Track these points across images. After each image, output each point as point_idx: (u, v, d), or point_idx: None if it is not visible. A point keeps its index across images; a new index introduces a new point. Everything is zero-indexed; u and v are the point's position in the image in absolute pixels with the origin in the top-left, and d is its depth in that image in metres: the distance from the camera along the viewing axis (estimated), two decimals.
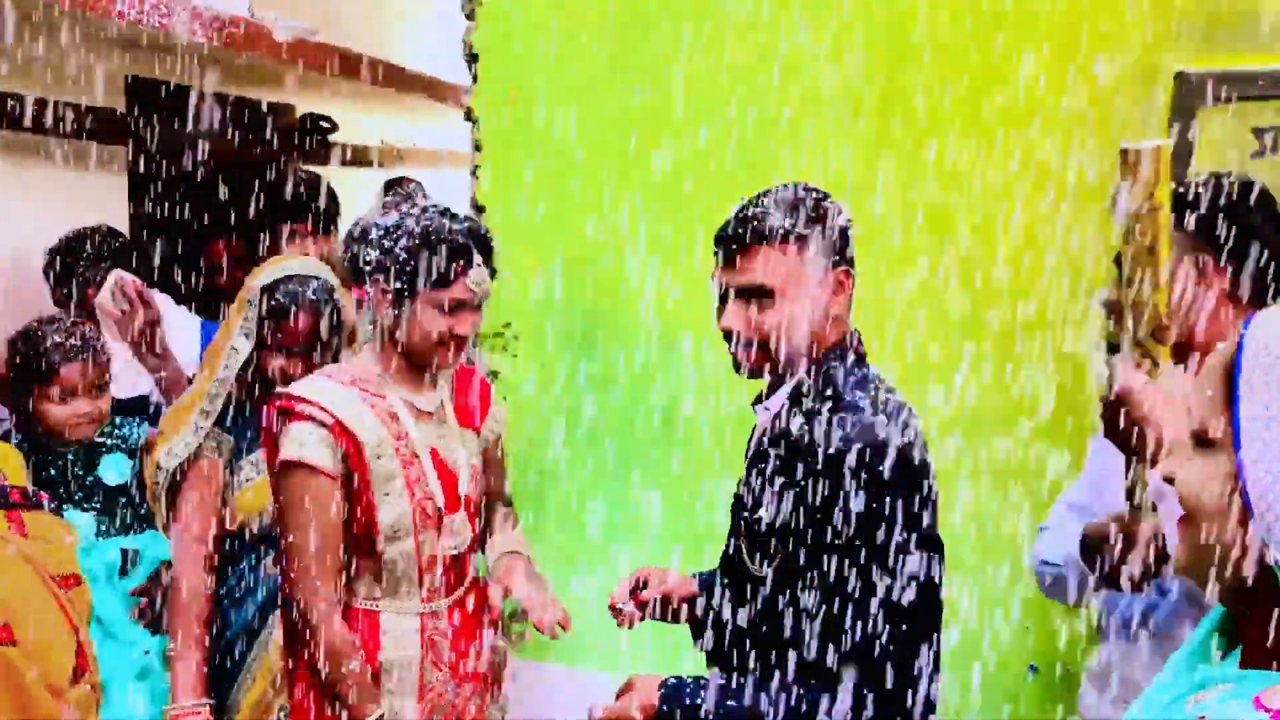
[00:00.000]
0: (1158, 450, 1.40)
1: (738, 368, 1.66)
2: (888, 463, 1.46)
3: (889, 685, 1.47)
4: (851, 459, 1.47)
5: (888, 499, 1.47)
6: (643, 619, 1.87)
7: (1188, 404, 1.03)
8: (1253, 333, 0.99)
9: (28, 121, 2.86)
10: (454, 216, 1.89)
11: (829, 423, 1.53)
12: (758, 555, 1.62)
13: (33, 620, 1.80)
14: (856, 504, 1.47)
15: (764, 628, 1.61)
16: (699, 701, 1.55)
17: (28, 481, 2.02)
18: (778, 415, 1.64)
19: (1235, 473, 0.95)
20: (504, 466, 2.21)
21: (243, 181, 3.36)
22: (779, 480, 1.58)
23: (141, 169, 3.50)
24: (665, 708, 1.58)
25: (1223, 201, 1.58)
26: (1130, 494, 1.53)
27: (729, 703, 1.54)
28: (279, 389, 1.94)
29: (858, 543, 1.47)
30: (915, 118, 2.22)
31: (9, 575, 1.80)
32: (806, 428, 1.56)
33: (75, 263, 2.70)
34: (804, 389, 1.61)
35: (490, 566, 2.03)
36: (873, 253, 2.09)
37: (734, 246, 1.59)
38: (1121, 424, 1.45)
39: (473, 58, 2.57)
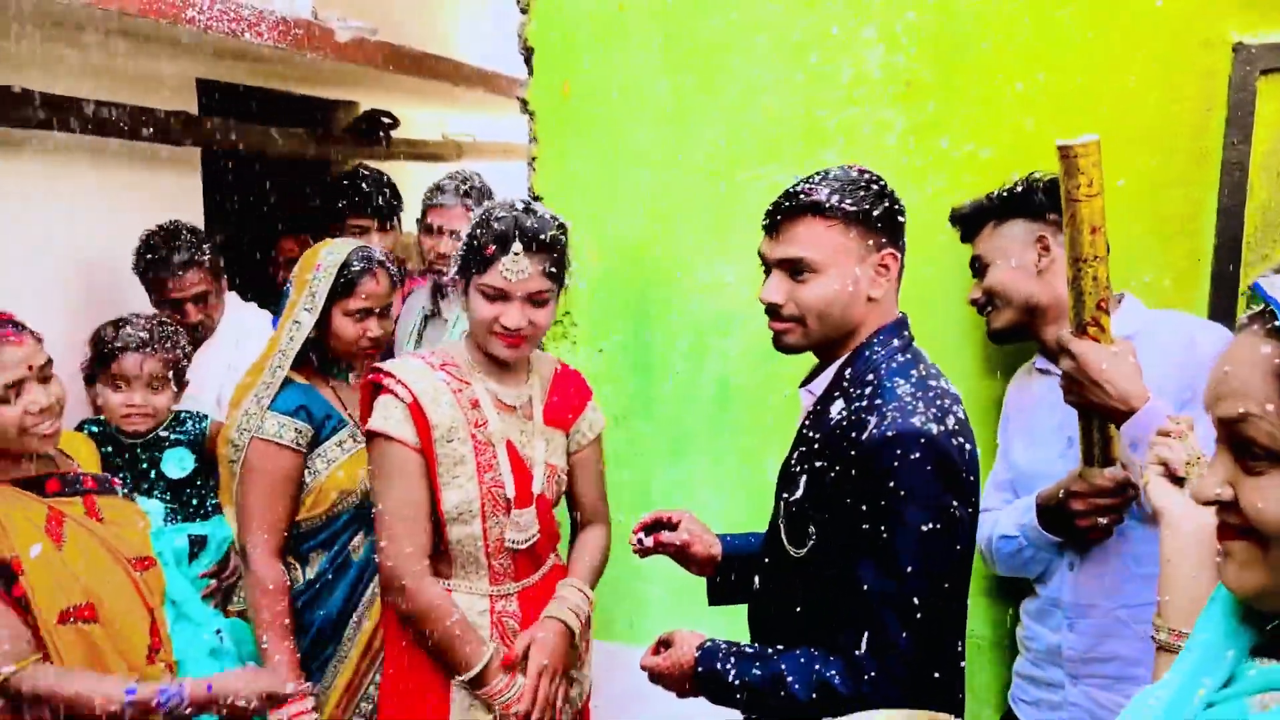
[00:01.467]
0: (1118, 405, 1.58)
1: (776, 342, 1.67)
2: (919, 453, 1.45)
3: (905, 673, 1.46)
4: (884, 446, 1.46)
5: (917, 489, 1.45)
6: (657, 554, 1.96)
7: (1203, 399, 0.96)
8: None
9: (104, 125, 2.97)
10: (510, 206, 1.92)
11: (865, 409, 1.52)
12: (793, 535, 1.64)
13: (111, 600, 1.91)
14: (886, 492, 1.46)
15: (796, 607, 1.63)
16: (728, 667, 1.60)
17: (99, 469, 2.13)
18: (820, 399, 1.66)
19: None
20: (599, 475, 2.19)
21: (309, 179, 3.47)
22: (817, 464, 1.58)
23: (214, 169, 3.62)
24: (700, 669, 1.63)
25: None
26: (1089, 452, 1.72)
27: (755, 671, 1.57)
28: (375, 364, 2.03)
29: (883, 531, 1.46)
30: (967, 99, 2.20)
31: (89, 558, 1.91)
32: (844, 412, 1.56)
33: (156, 259, 2.81)
34: (846, 374, 1.61)
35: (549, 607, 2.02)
36: (924, 241, 2.09)
37: (779, 218, 1.61)
38: (1079, 389, 1.62)
39: (529, 51, 2.61)
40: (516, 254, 1.87)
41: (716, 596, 1.99)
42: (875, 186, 1.60)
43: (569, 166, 2.59)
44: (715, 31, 2.41)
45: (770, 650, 1.60)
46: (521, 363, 2.06)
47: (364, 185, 3.24)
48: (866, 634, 1.48)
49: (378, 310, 2.29)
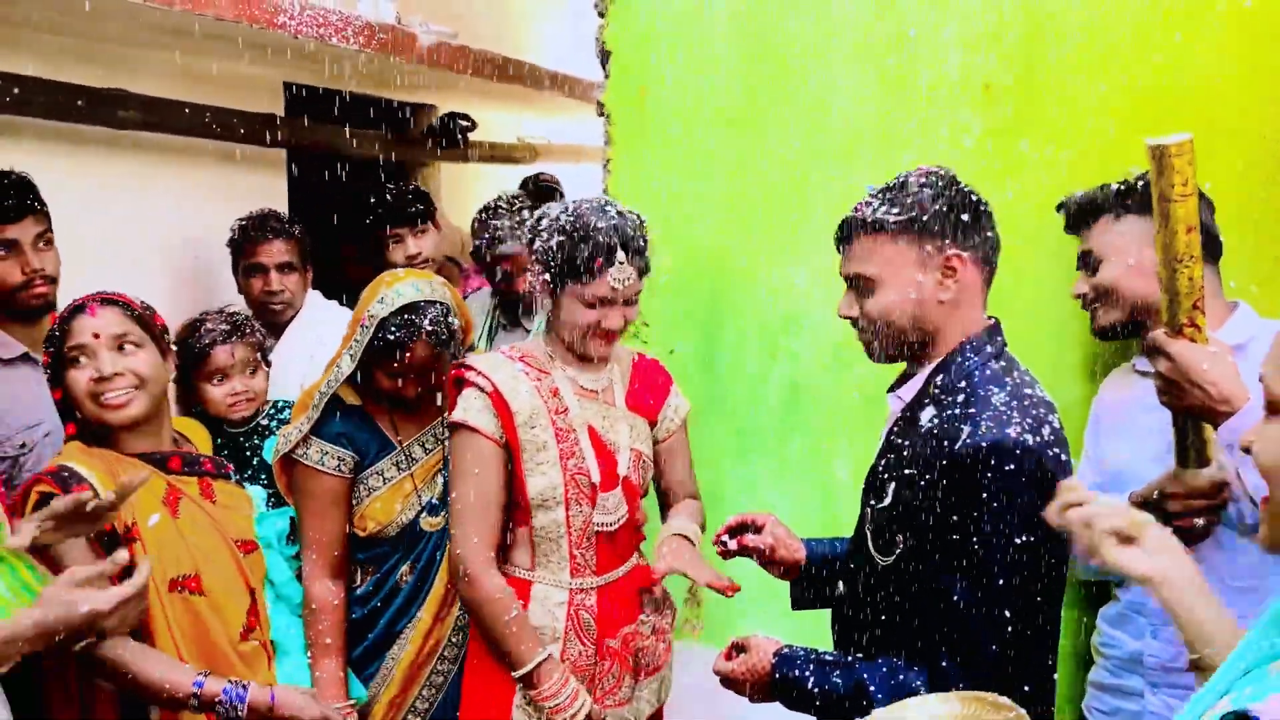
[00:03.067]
0: (1218, 406, 1.49)
1: (867, 352, 1.69)
2: (1014, 464, 1.43)
3: (993, 685, 1.41)
4: (978, 456, 1.45)
5: (1011, 500, 1.43)
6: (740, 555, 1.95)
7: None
8: None
9: (196, 126, 3.09)
10: (604, 213, 1.93)
11: (958, 418, 1.51)
12: (881, 543, 1.62)
13: (216, 577, 1.99)
14: (978, 503, 1.44)
15: (882, 615, 1.62)
16: (807, 674, 1.59)
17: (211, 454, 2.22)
18: (910, 405, 1.65)
19: None
20: (687, 460, 2.22)
21: (389, 181, 3.56)
22: (906, 471, 1.57)
23: (298, 171, 3.72)
24: (777, 675, 1.63)
25: None
26: (1183, 453, 1.65)
27: (835, 679, 1.57)
28: (459, 360, 2.08)
29: (975, 542, 1.45)
30: (1047, 101, 2.18)
31: (200, 535, 2.00)
32: (936, 420, 1.55)
33: (249, 230, 2.94)
34: (937, 380, 1.60)
35: (657, 544, 2.04)
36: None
37: (840, 238, 1.66)
38: (1176, 390, 1.54)
39: (605, 54, 2.65)
40: (622, 263, 1.91)
41: (800, 601, 1.98)
42: (930, 190, 1.58)
43: (643, 169, 2.62)
44: (792, 35, 2.42)
45: (850, 659, 1.60)
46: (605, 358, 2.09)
47: (390, 196, 3.32)
48: (954, 645, 1.47)
49: (417, 373, 2.16)
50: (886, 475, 1.63)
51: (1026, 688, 1.47)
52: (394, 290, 2.12)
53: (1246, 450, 0.98)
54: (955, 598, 1.46)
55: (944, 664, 1.47)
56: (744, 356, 2.56)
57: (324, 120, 3.70)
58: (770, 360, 2.53)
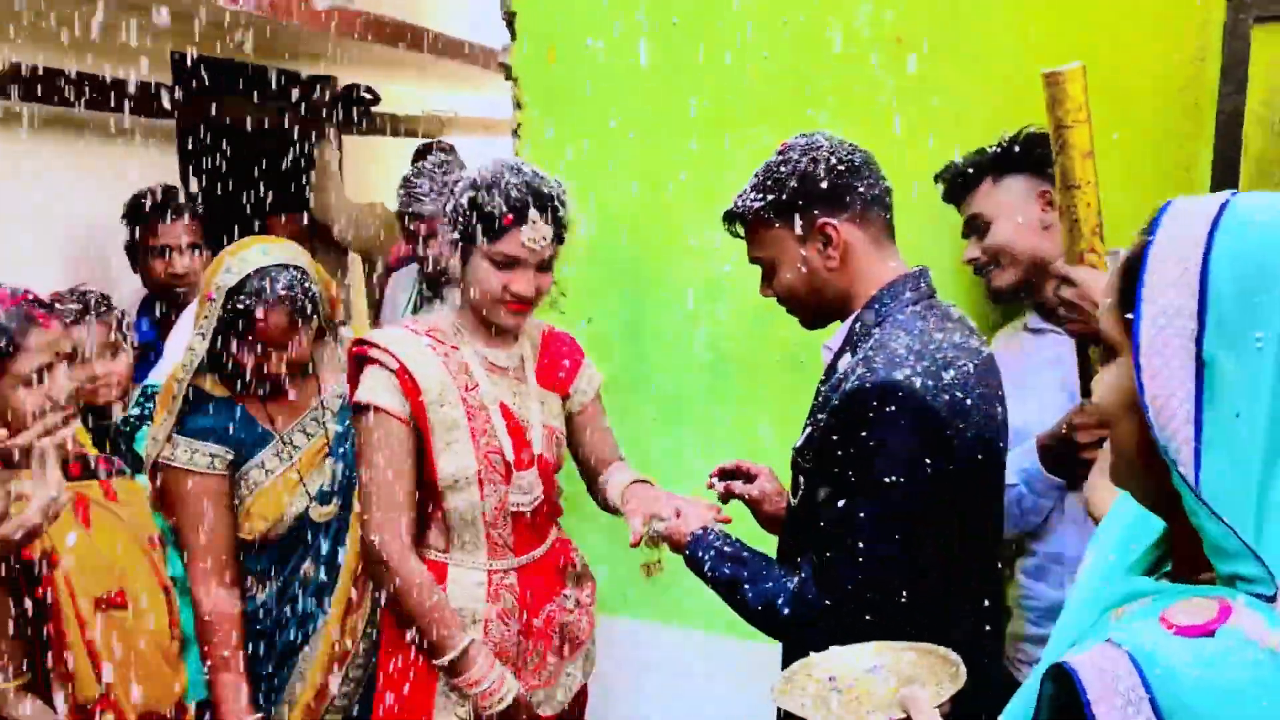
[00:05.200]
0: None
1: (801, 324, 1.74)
2: (894, 404, 1.43)
3: (854, 616, 1.45)
4: (859, 395, 1.46)
5: (884, 439, 1.44)
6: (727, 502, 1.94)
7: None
8: (1165, 224, 0.88)
9: (79, 98, 2.92)
10: (518, 170, 1.86)
11: (860, 361, 1.52)
12: (793, 485, 1.67)
13: (137, 583, 1.88)
14: (857, 441, 1.46)
15: (794, 555, 1.65)
16: (706, 558, 1.67)
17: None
18: (836, 354, 1.65)
19: (1135, 383, 0.86)
20: (606, 429, 2.17)
21: (284, 155, 3.42)
22: (818, 416, 1.60)
23: (189, 144, 3.56)
24: (687, 550, 1.71)
25: None
26: (1087, 382, 1.70)
27: (724, 570, 1.63)
28: (360, 336, 1.98)
29: (851, 476, 1.47)
30: (958, 56, 2.17)
31: (113, 541, 1.87)
32: (849, 365, 1.57)
33: (145, 207, 2.82)
34: (856, 329, 1.62)
35: (620, 495, 1.98)
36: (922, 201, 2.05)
37: (729, 230, 1.74)
38: (1081, 315, 1.61)
39: (510, 15, 2.56)
40: (534, 221, 1.84)
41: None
42: (786, 167, 1.61)
43: (554, 133, 2.55)
44: None
45: (750, 556, 1.64)
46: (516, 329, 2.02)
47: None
48: (817, 566, 1.51)
49: (277, 345, 2.01)
50: (808, 422, 1.65)
51: (910, 629, 1.45)
52: (238, 258, 1.98)
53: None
54: (822, 524, 1.51)
55: (808, 582, 1.51)
56: (665, 323, 2.52)
57: (216, 92, 3.54)
58: (692, 326, 2.49)
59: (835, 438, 1.49)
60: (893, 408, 1.43)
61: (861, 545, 1.46)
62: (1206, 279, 0.83)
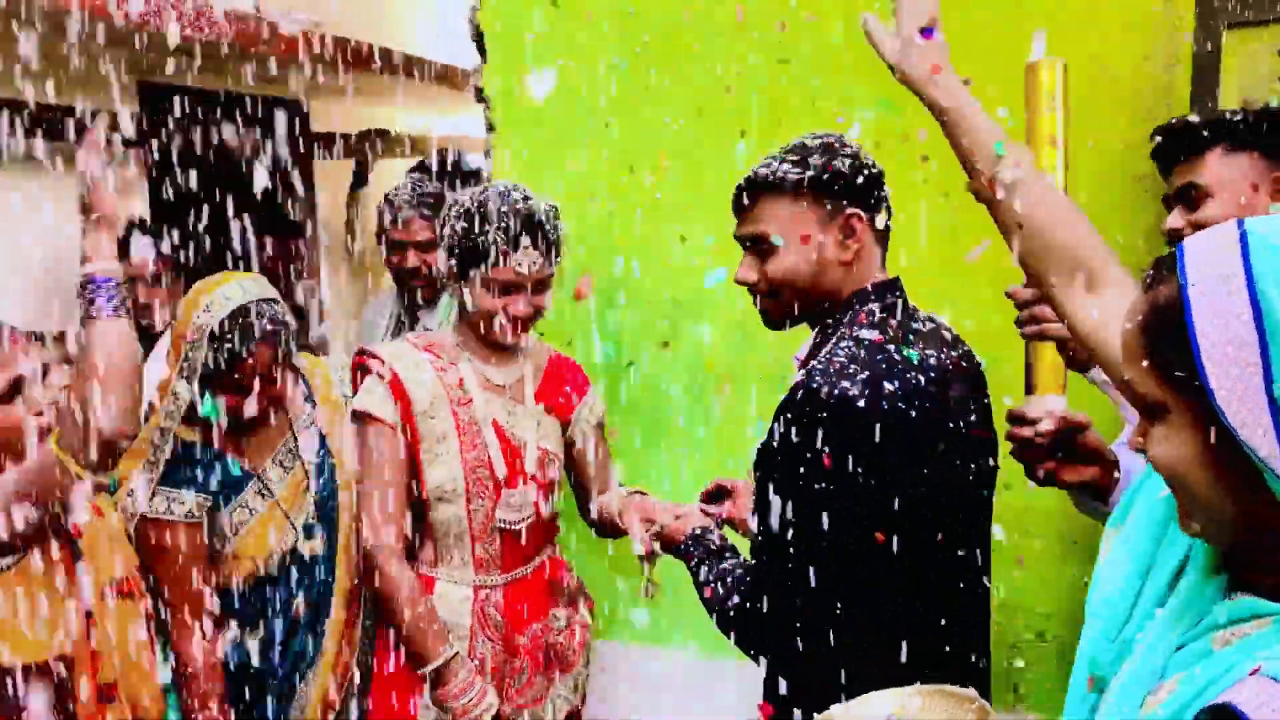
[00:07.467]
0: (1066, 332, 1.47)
1: (764, 320, 1.66)
2: (827, 413, 1.41)
3: (780, 617, 1.46)
4: (794, 404, 1.45)
5: (816, 448, 1.42)
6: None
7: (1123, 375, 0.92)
8: (1193, 264, 0.84)
9: (43, 127, 2.88)
10: (509, 197, 1.87)
11: (808, 371, 1.50)
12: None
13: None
14: (790, 447, 1.44)
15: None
16: (693, 553, 1.68)
17: None
18: (802, 366, 1.62)
19: (1205, 440, 0.83)
20: (606, 459, 2.17)
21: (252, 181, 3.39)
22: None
23: (156, 173, 3.52)
24: (680, 547, 1.72)
25: None
26: (1027, 379, 1.61)
27: (701, 570, 1.63)
28: (362, 346, 2.02)
29: (778, 479, 1.46)
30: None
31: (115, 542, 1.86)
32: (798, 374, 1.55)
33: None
34: (819, 339, 1.59)
35: (617, 506, 1.94)
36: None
37: (739, 200, 1.62)
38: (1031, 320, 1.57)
39: (479, 36, 2.55)
40: (527, 248, 1.87)
41: None
42: (827, 151, 1.56)
43: (528, 154, 2.54)
44: (675, 6, 2.36)
45: (728, 561, 1.63)
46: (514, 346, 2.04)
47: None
48: (754, 570, 1.53)
49: (272, 379, 1.97)
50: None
51: (850, 640, 1.45)
52: (218, 295, 1.91)
53: (1141, 451, 0.93)
54: (761, 527, 1.50)
55: (743, 589, 1.52)
56: (643, 343, 2.50)
57: (184, 120, 3.51)
58: (674, 345, 2.47)
59: (774, 444, 1.48)
60: (824, 415, 1.41)
61: (792, 551, 1.45)
62: (1259, 308, 0.81)
